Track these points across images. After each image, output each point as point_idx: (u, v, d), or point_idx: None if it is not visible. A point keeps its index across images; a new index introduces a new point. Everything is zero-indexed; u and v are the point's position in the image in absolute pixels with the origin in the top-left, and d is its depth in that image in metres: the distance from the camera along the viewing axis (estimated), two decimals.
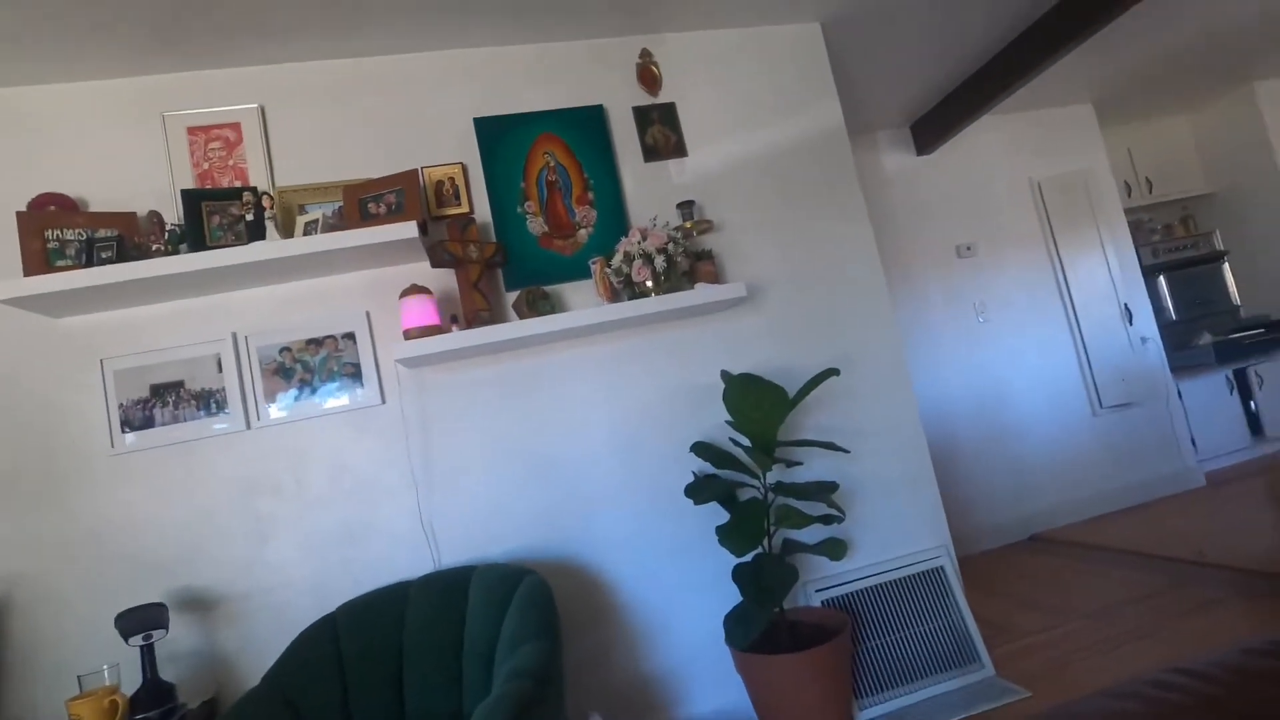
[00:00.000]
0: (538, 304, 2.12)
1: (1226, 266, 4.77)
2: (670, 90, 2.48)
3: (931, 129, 3.89)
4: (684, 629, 2.23)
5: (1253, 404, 4.43)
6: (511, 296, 2.22)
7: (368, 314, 2.16)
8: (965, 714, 2.07)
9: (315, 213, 2.08)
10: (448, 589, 1.91)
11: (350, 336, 2.13)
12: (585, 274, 2.27)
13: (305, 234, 2.03)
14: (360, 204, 2.04)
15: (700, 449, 2.13)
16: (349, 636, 1.85)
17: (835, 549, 2.08)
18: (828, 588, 2.32)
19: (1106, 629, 2.47)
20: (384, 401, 2.13)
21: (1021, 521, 3.86)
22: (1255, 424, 4.42)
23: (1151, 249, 4.71)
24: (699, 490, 2.01)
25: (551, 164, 2.32)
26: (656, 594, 2.23)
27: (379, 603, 1.90)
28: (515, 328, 2.01)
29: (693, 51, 2.53)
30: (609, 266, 2.17)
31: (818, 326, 2.47)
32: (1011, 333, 4.00)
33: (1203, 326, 4.56)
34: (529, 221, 2.27)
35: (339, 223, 2.06)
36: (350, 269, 2.14)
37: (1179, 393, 4.22)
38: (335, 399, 2.10)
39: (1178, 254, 4.75)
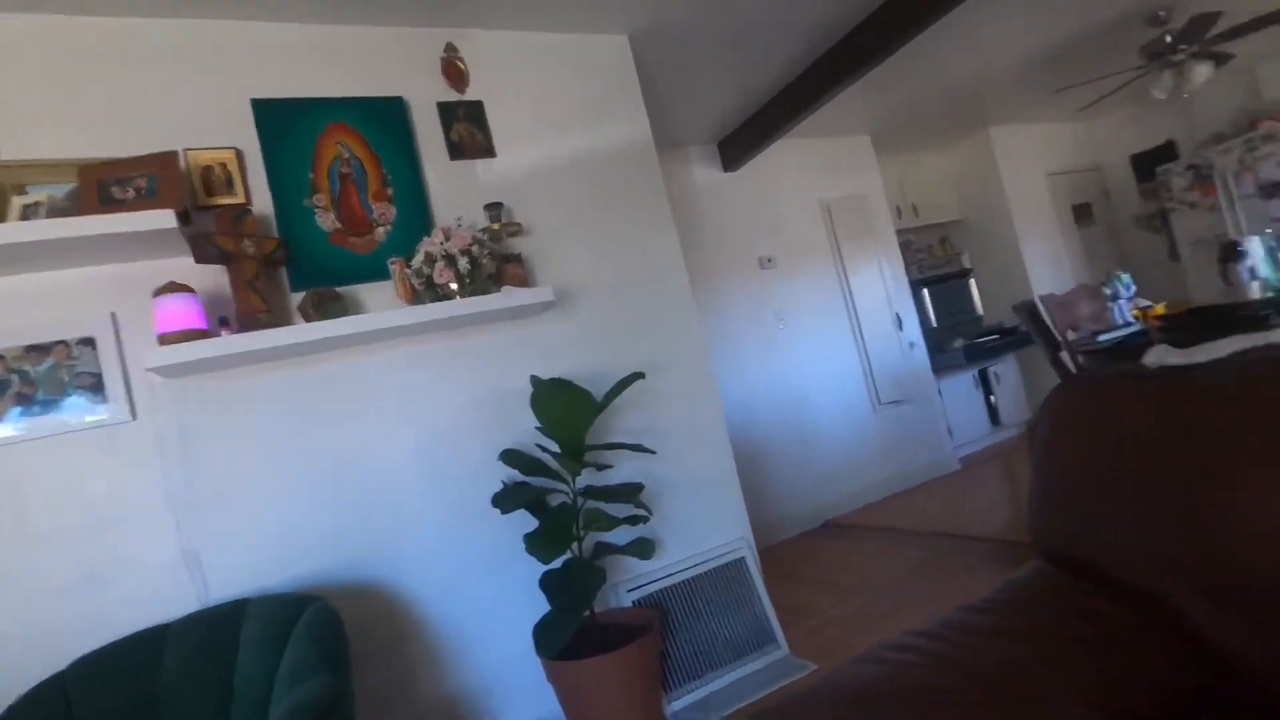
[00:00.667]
0: (326, 306, 1.94)
1: (973, 282, 5.61)
2: (478, 88, 2.41)
3: (736, 148, 4.16)
4: (498, 643, 2.16)
5: (992, 398, 5.26)
6: (298, 298, 2.02)
7: (114, 316, 1.85)
8: (762, 693, 2.21)
9: (38, 194, 1.74)
10: (215, 627, 1.68)
11: (89, 342, 1.81)
12: (384, 274, 2.13)
13: (23, 219, 1.69)
14: (100, 186, 1.74)
15: (509, 457, 2.08)
16: (84, 697, 1.56)
17: (644, 548, 2.13)
18: (639, 587, 2.37)
19: (884, 601, 2.77)
20: (135, 417, 1.83)
21: (817, 510, 4.24)
22: (995, 415, 5.26)
23: (917, 266, 5.42)
24: (506, 499, 1.96)
25: (345, 156, 2.15)
26: (468, 609, 2.14)
27: (124, 653, 1.63)
28: (298, 331, 1.82)
29: (502, 51, 2.48)
30: (409, 267, 2.05)
31: (627, 332, 2.52)
32: (807, 338, 4.39)
33: (956, 333, 5.32)
34: (318, 216, 2.08)
35: (71, 207, 1.75)
36: (89, 263, 1.82)
37: (939, 390, 4.89)
38: (70, 416, 1.77)
39: (937, 270, 5.50)
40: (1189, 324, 2.38)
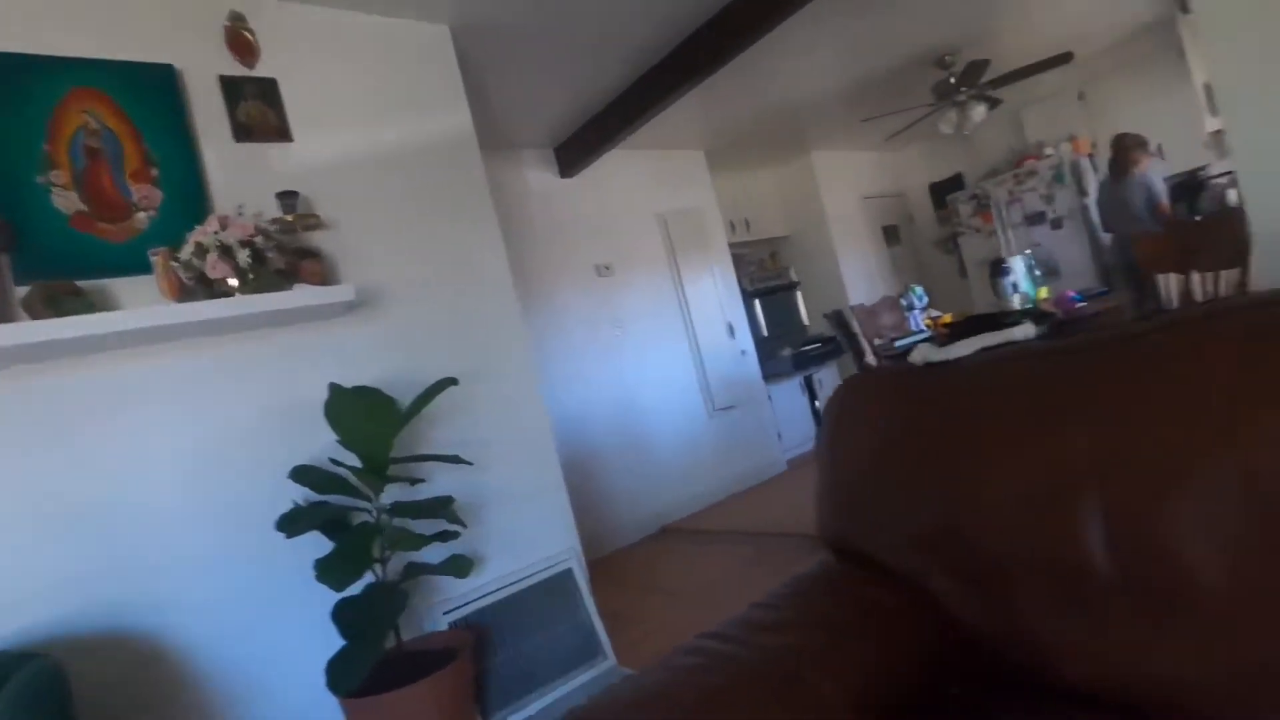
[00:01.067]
0: (62, 302, 1.63)
1: (800, 294, 6.00)
2: (272, 65, 2.17)
3: (573, 153, 4.13)
4: (295, 688, 1.92)
5: (816, 402, 5.63)
6: (23, 292, 1.67)
7: None
8: None
9: None
10: None
11: None
12: (146, 267, 1.83)
13: None
14: None
15: (301, 475, 1.86)
16: None
17: (461, 566, 1.99)
18: (457, 608, 2.23)
19: (710, 603, 2.83)
20: None
21: (655, 515, 4.28)
22: (819, 418, 5.63)
23: (750, 278, 5.69)
24: (294, 521, 1.74)
25: (94, 127, 1.83)
26: (257, 653, 1.88)
27: None
28: (18, 331, 1.51)
29: (303, 27, 2.25)
30: (176, 259, 1.78)
31: (445, 336, 2.37)
32: (645, 346, 4.45)
33: (785, 341, 5.65)
34: (55, 195, 1.75)
35: None
36: None
37: (770, 395, 5.15)
38: None
39: (768, 283, 5.81)
40: (965, 330, 2.67)
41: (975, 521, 0.89)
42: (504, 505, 2.40)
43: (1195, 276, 2.58)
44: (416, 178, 2.42)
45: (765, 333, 5.56)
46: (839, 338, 3.48)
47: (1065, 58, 4.08)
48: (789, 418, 5.32)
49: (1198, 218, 3.27)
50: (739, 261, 5.59)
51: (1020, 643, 0.86)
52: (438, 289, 2.39)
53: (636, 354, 4.39)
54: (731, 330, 4.92)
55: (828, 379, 5.72)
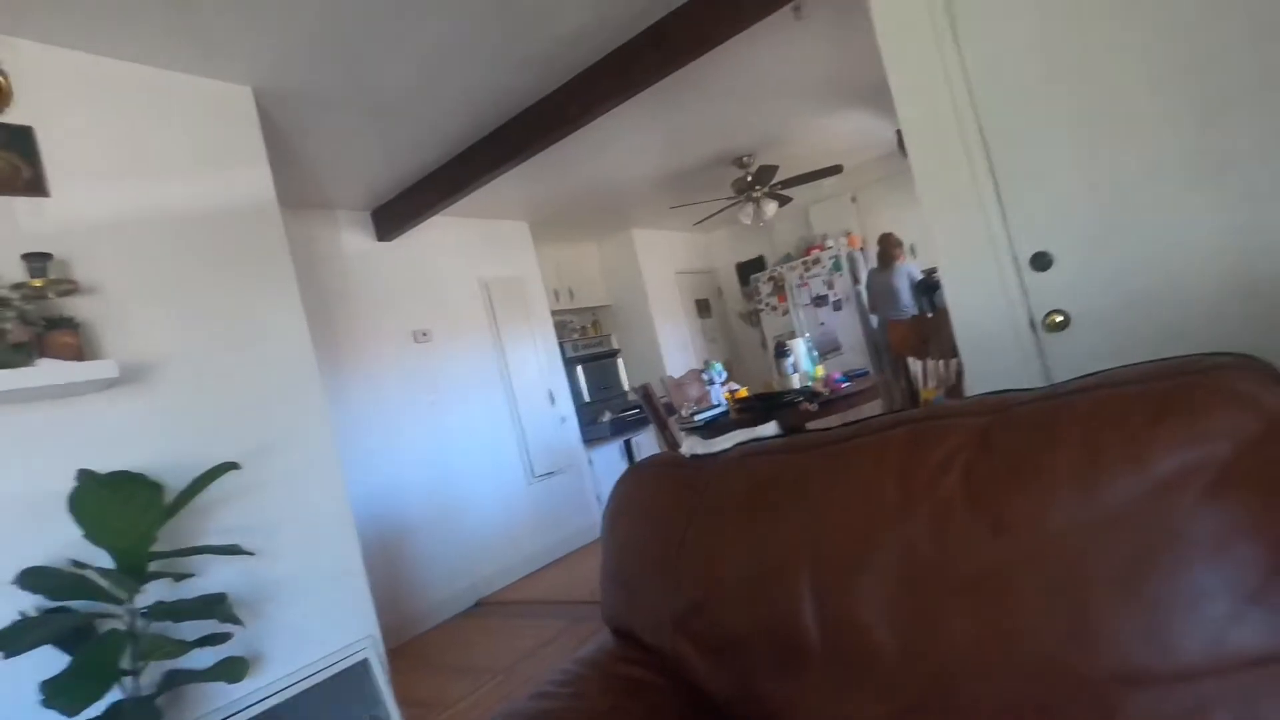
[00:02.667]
0: None
1: (620, 360, 6.26)
2: (26, 111, 1.95)
3: (391, 218, 4.07)
4: None
5: None
6: None
7: None
8: None
9: None
10: None
11: None
12: None
13: None
14: None
15: (31, 579, 1.61)
16: None
17: (234, 670, 1.81)
18: (231, 716, 2.00)
19: (514, 681, 2.78)
20: None
21: (471, 589, 4.15)
22: None
23: (572, 344, 5.86)
24: (16, 636, 1.50)
25: None
26: None
27: None
28: None
29: (66, 72, 2.06)
30: None
31: (232, 411, 2.20)
32: (463, 414, 4.38)
33: (606, 407, 5.84)
34: None
35: None
36: None
37: (590, 460, 5.27)
38: None
39: (590, 349, 6.02)
40: (753, 405, 2.99)
41: (717, 600, 1.02)
42: (292, 595, 2.22)
43: (930, 362, 3.11)
44: (206, 240, 2.27)
45: (587, 398, 5.72)
46: (646, 411, 3.69)
47: (836, 169, 4.80)
48: (609, 481, 5.39)
49: (930, 314, 3.95)
50: (562, 329, 5.74)
51: (755, 707, 0.99)
52: (226, 359, 2.23)
53: (455, 422, 4.31)
54: (552, 397, 5.00)
55: (646, 443, 5.96)
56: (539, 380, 4.94)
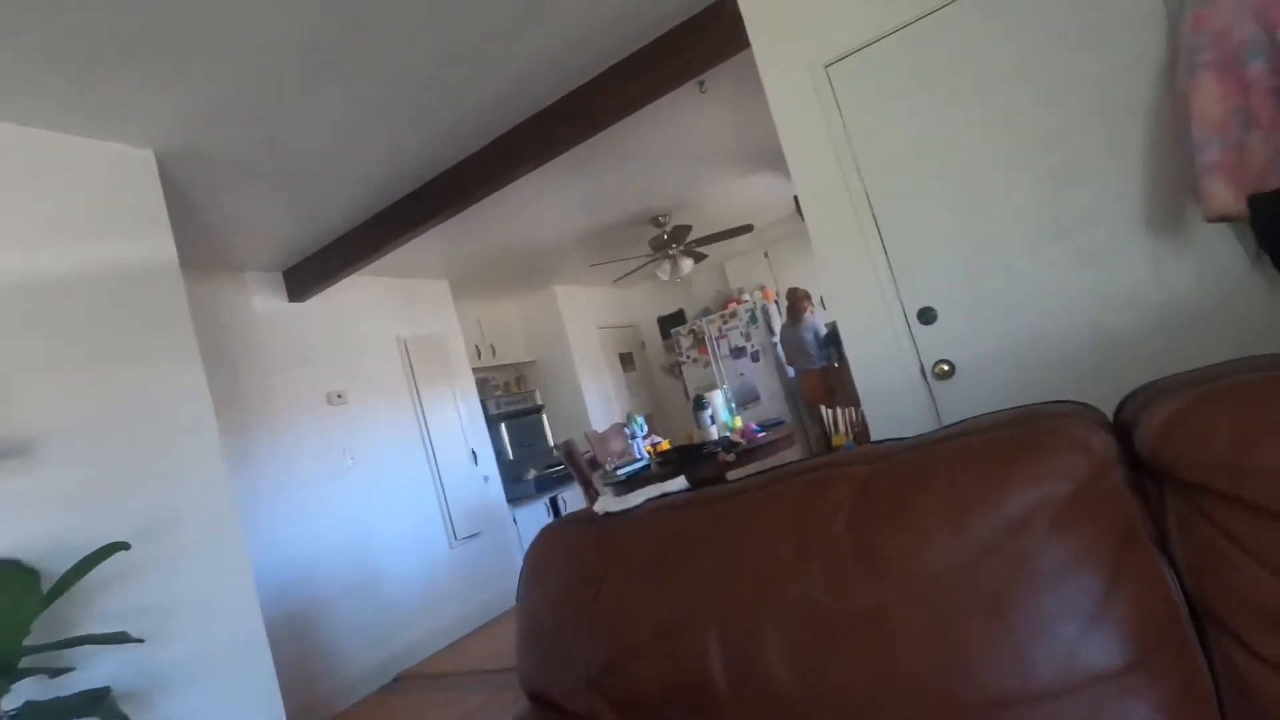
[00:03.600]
0: None
1: (545, 416, 6.23)
2: None
3: (305, 278, 3.98)
4: None
5: None
6: None
7: None
8: None
9: None
10: None
11: None
12: None
13: None
14: None
15: None
16: None
17: None
18: None
19: None
20: None
21: (390, 662, 3.93)
22: None
23: (495, 402, 5.80)
24: None
25: None
26: None
27: None
28: None
29: None
30: None
31: (123, 488, 2.07)
32: (380, 477, 4.23)
33: (530, 464, 5.77)
34: None
35: None
36: None
37: (515, 519, 5.16)
38: None
39: (514, 406, 5.97)
40: (673, 458, 3.04)
41: (629, 658, 1.04)
42: (187, 683, 2.06)
43: (839, 410, 3.27)
44: (101, 306, 2.17)
45: (511, 456, 5.64)
46: (569, 469, 3.68)
47: (747, 228, 5.06)
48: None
49: (836, 365, 4.17)
50: (485, 386, 5.69)
51: None
52: (118, 430, 2.10)
53: (372, 486, 4.16)
54: (475, 456, 4.91)
55: (573, 499, 5.91)
56: (461, 439, 4.85)
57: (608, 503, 1.33)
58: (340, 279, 3.94)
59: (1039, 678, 0.78)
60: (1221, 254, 1.75)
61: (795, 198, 2.42)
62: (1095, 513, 0.80)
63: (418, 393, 4.64)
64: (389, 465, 4.30)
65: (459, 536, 4.59)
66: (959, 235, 2.08)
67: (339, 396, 4.11)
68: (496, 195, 3.49)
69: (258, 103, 2.35)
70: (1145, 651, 0.74)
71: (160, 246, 2.39)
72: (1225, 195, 1.52)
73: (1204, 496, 0.75)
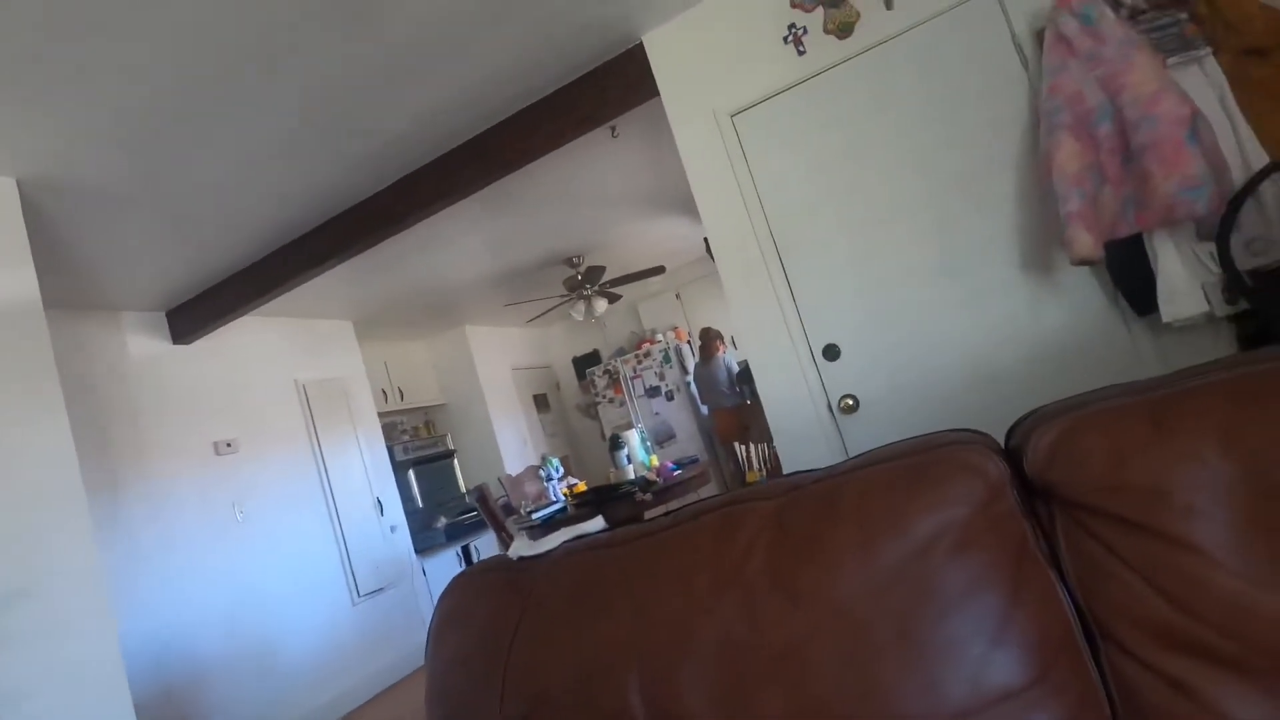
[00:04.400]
0: None
1: (456, 461, 6.01)
2: None
3: (192, 319, 3.71)
4: None
5: None
6: None
7: None
8: None
9: None
10: None
11: None
12: None
13: None
14: None
15: None
16: None
17: None
18: None
19: None
20: None
21: None
22: None
23: (403, 447, 5.55)
24: None
25: None
26: None
27: None
28: None
29: None
30: None
31: None
32: (274, 532, 3.93)
33: (441, 511, 5.53)
34: None
35: None
36: None
37: (424, 570, 4.91)
38: None
39: (423, 451, 5.73)
40: (591, 499, 3.00)
41: (547, 708, 0.99)
42: None
43: (752, 446, 3.34)
44: None
45: (420, 503, 5.40)
46: (482, 514, 3.56)
47: (659, 269, 5.16)
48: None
49: (749, 402, 4.28)
50: (391, 430, 5.45)
51: None
52: None
53: (265, 542, 3.85)
54: (380, 505, 4.66)
55: (486, 547, 5.70)
56: (365, 488, 4.59)
57: (522, 547, 1.28)
58: (231, 320, 3.70)
59: (950, 700, 0.80)
60: (1085, 294, 1.93)
61: (705, 240, 2.49)
62: (993, 534, 0.84)
63: (318, 439, 4.37)
64: (284, 518, 4.01)
65: (362, 592, 4.30)
66: (858, 277, 2.20)
67: (228, 446, 3.81)
68: (405, 234, 3.41)
69: (139, 131, 2.20)
70: (1045, 667, 0.78)
71: (21, 283, 2.16)
72: (1086, 241, 1.69)
73: (1087, 514, 0.80)
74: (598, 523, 1.31)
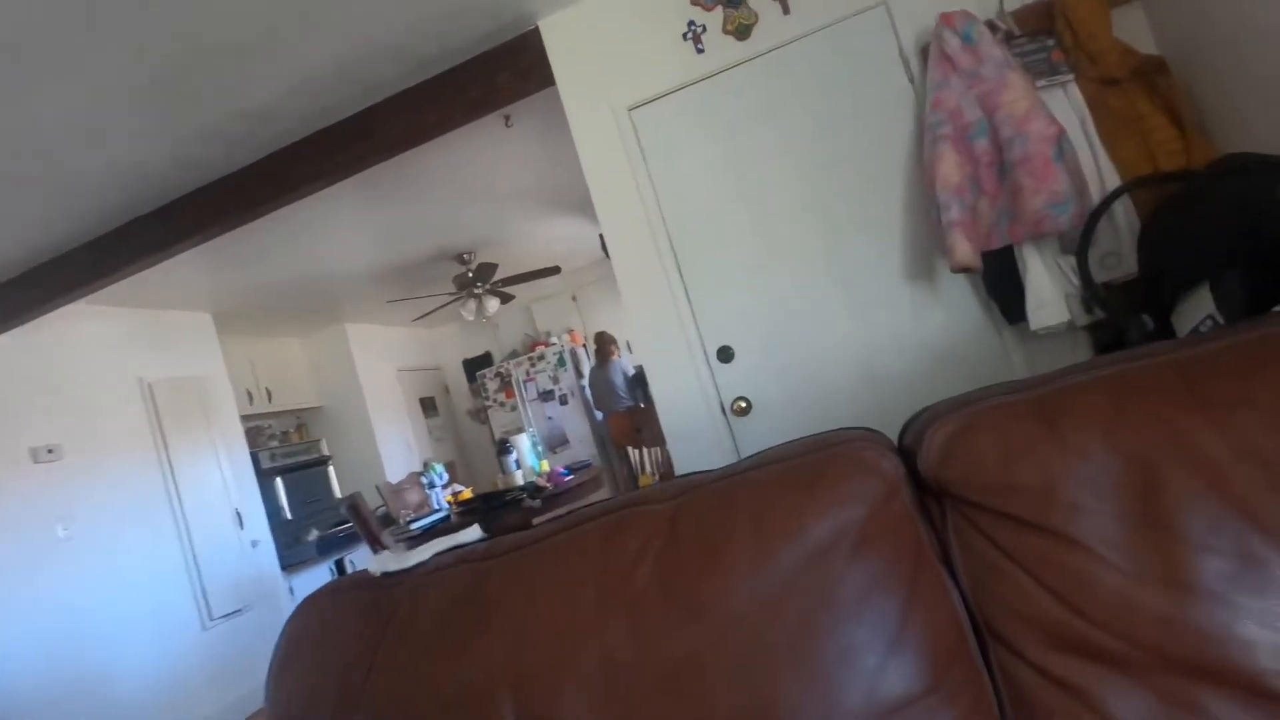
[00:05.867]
0: None
1: (331, 468, 5.59)
2: None
3: (4, 304, 3.20)
4: None
5: None
6: None
7: None
8: None
9: None
10: None
11: None
12: None
13: None
14: None
15: None
16: None
17: None
18: None
19: None
20: None
21: None
22: None
23: (270, 453, 5.09)
24: None
25: None
26: None
27: None
28: None
29: None
30: None
31: None
32: (108, 549, 3.46)
33: (312, 523, 5.11)
34: None
35: None
36: None
37: (291, 589, 4.50)
38: None
39: (294, 458, 5.28)
40: (476, 506, 2.84)
41: None
42: None
43: (645, 449, 3.29)
44: None
45: (289, 515, 4.96)
46: (355, 526, 3.30)
47: (554, 270, 5.04)
48: None
49: (642, 406, 4.26)
50: (257, 435, 4.99)
51: None
52: None
53: (95, 561, 3.37)
54: (240, 518, 4.23)
55: (362, 561, 5.32)
56: (222, 499, 4.15)
57: (386, 561, 1.14)
58: (54, 308, 3.22)
59: (845, 711, 0.75)
60: (964, 302, 2.01)
61: (601, 238, 2.42)
62: (890, 535, 0.81)
63: (165, 445, 3.90)
64: (122, 534, 3.53)
65: (215, 615, 3.87)
66: (752, 280, 2.20)
67: (49, 452, 3.31)
68: (276, 219, 3.11)
69: None
70: (939, 673, 0.75)
71: None
72: (966, 249, 1.75)
73: (979, 513, 0.78)
74: (474, 532, 1.20)
